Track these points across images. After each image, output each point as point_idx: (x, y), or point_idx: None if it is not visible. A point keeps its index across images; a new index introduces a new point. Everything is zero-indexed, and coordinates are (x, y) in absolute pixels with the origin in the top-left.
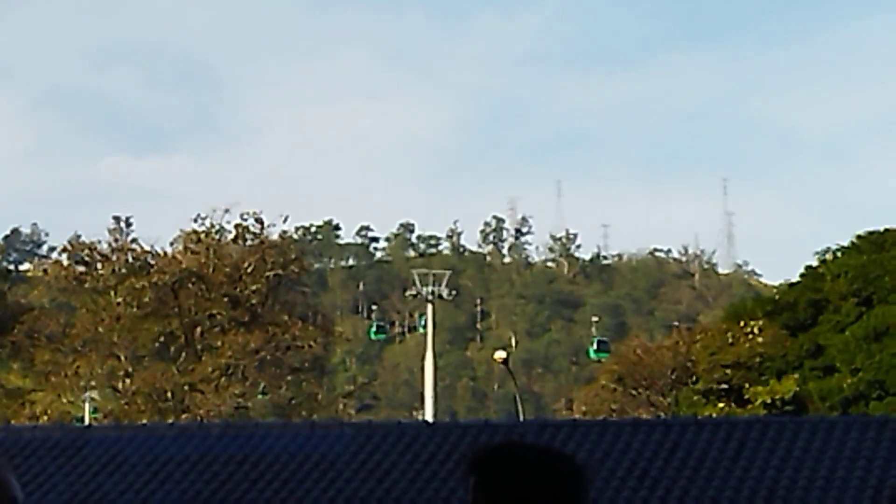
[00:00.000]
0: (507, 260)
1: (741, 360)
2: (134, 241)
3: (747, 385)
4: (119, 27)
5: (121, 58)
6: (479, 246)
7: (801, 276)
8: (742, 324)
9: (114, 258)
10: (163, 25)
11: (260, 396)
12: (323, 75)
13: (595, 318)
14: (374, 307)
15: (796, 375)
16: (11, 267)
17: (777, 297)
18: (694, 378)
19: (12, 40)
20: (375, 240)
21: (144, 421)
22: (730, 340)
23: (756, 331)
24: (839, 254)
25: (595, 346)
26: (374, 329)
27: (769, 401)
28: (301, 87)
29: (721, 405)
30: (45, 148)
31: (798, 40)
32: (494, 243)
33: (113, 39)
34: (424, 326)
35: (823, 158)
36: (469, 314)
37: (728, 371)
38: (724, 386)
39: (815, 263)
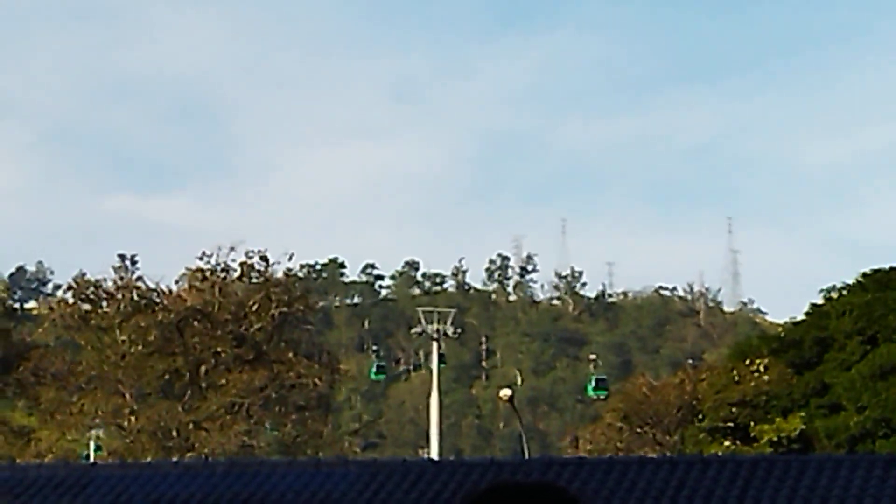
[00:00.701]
0: (512, 298)
1: (747, 399)
2: (139, 278)
3: (753, 423)
4: (125, 64)
5: (126, 95)
6: (485, 284)
7: (807, 314)
8: (748, 362)
9: (119, 296)
10: (168, 63)
11: (268, 432)
12: (327, 114)
13: (593, 356)
14: (374, 346)
15: (802, 413)
16: (17, 305)
17: (782, 335)
18: (700, 416)
19: (17, 76)
20: (380, 277)
21: (149, 459)
22: (735, 378)
23: (762, 369)
24: (844, 292)
25: (593, 385)
26: (374, 369)
27: (775, 439)
28: (306, 126)
29: (727, 443)
30: (50, 185)
31: (801, 78)
32: (499, 281)
33: (119, 76)
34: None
35: (828, 196)
36: (474, 352)
37: (734, 409)
38: (730, 424)
39: (820, 301)
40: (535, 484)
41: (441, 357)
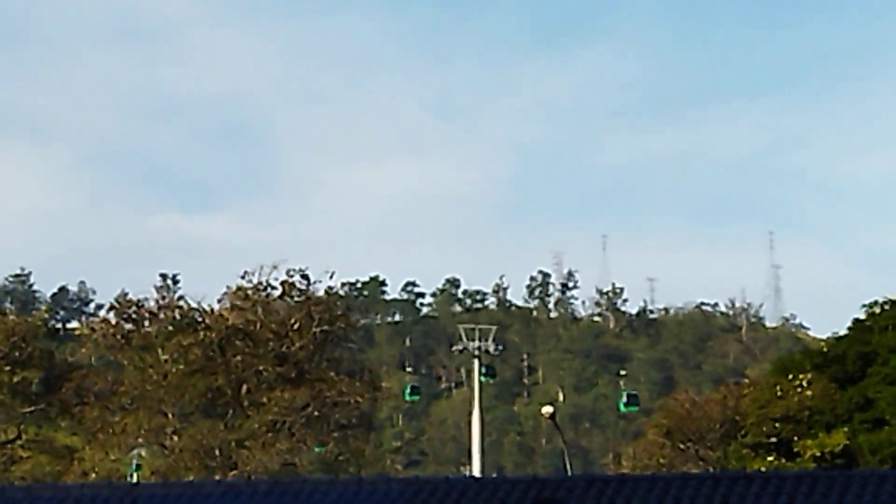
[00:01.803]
0: (553, 314)
1: (790, 414)
2: (181, 298)
3: (796, 438)
4: (168, 84)
5: (169, 114)
6: (525, 301)
7: (849, 328)
8: (790, 377)
9: (161, 315)
10: (211, 83)
11: (314, 449)
12: (368, 132)
13: (623, 372)
14: (409, 368)
15: (846, 428)
16: (59, 325)
17: (825, 350)
18: (743, 432)
19: (61, 97)
20: (421, 295)
21: (192, 478)
22: (778, 394)
23: (805, 384)
24: (887, 306)
25: (625, 400)
26: (408, 391)
27: (819, 454)
28: (347, 144)
29: (770, 459)
30: (93, 205)
31: (843, 93)
32: (540, 298)
33: (161, 96)
34: (486, 375)
35: (870, 211)
36: (516, 369)
37: (777, 424)
38: (774, 439)
39: (862, 316)
40: None
41: (490, 369)
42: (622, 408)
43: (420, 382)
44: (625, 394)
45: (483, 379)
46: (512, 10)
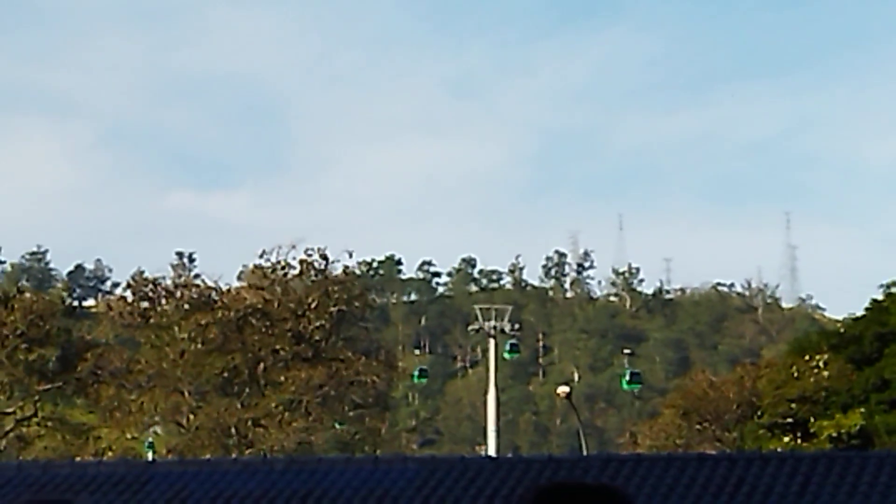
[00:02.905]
0: (569, 294)
1: (806, 394)
2: (197, 276)
3: (813, 419)
4: (186, 63)
5: (187, 93)
6: (542, 280)
7: (867, 309)
8: (807, 358)
9: (178, 294)
10: (228, 61)
11: (336, 426)
12: (385, 110)
13: (627, 351)
14: (417, 350)
15: (862, 409)
16: (76, 303)
17: (842, 330)
18: (759, 412)
19: (80, 76)
20: (437, 275)
21: (208, 456)
22: (795, 374)
23: (821, 365)
24: None
25: (628, 378)
26: (416, 373)
27: (835, 435)
28: (364, 123)
29: (786, 439)
30: (110, 183)
31: (863, 74)
32: (556, 278)
33: (178, 75)
34: (510, 350)
35: (888, 191)
36: (531, 349)
37: (793, 405)
38: (790, 420)
39: (880, 297)
40: (598, 487)
41: (514, 346)
42: (625, 386)
43: (435, 362)
44: (628, 372)
45: (507, 356)
46: None
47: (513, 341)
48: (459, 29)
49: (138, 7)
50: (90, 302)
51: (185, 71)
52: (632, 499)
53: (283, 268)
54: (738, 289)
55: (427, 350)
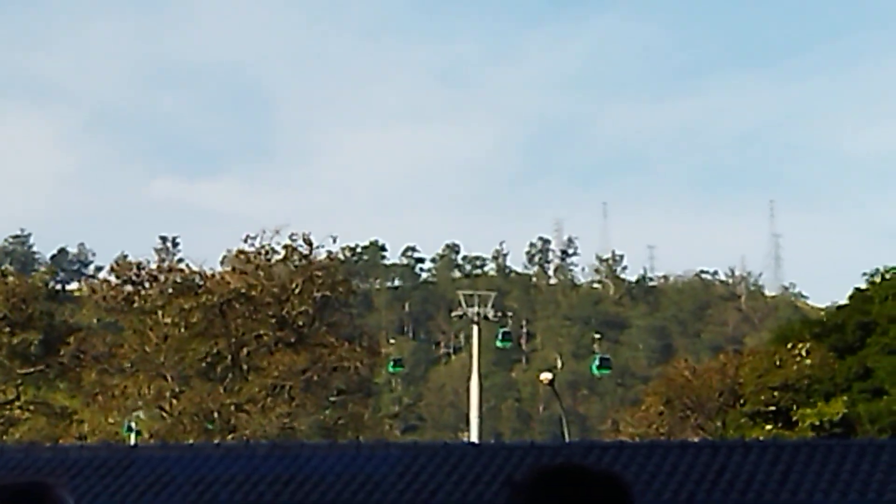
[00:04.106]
0: (552, 281)
1: (789, 383)
2: (181, 261)
3: (795, 407)
4: (171, 49)
5: (172, 79)
6: (525, 267)
7: (850, 298)
8: (790, 346)
9: (161, 278)
10: (214, 48)
11: (327, 412)
12: (372, 98)
13: (597, 335)
14: (391, 341)
15: (845, 398)
16: (59, 287)
17: (825, 319)
18: (741, 401)
19: (64, 61)
20: (421, 261)
21: (191, 441)
22: (777, 363)
23: (804, 353)
24: (888, 276)
25: (597, 363)
26: (391, 363)
27: (817, 423)
28: (350, 110)
29: (769, 427)
30: (95, 168)
31: (848, 64)
32: (540, 265)
33: (164, 61)
34: (503, 339)
35: (871, 180)
36: (514, 335)
37: (776, 393)
38: (772, 408)
39: (863, 286)
40: (592, 470)
41: (507, 335)
42: (595, 371)
43: (418, 348)
44: (597, 357)
45: (500, 344)
46: None
47: (505, 329)
48: (448, 16)
49: None
50: (73, 286)
51: (172, 57)
52: (631, 487)
53: (266, 253)
54: (722, 277)
55: (411, 336)
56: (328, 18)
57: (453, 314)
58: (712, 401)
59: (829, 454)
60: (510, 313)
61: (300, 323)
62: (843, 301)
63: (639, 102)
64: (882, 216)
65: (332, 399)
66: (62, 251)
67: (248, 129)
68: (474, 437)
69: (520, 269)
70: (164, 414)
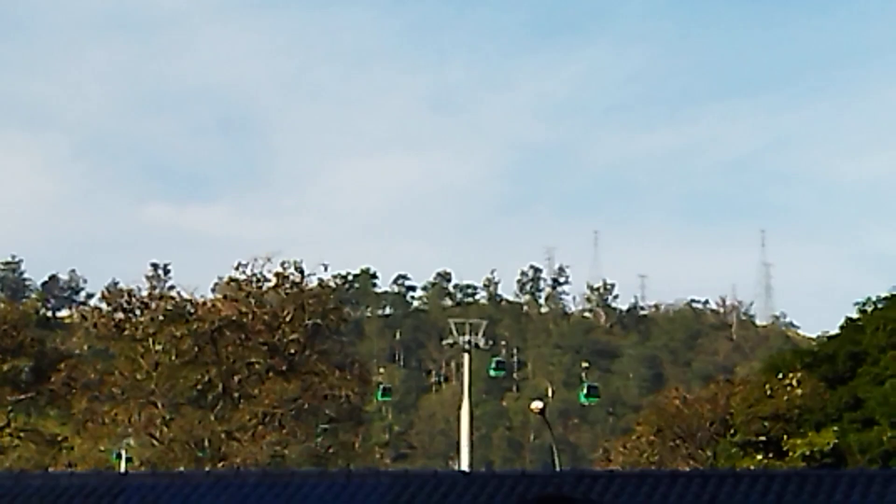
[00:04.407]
0: (543, 310)
1: (780, 413)
2: (172, 288)
3: (786, 437)
4: (165, 76)
5: (166, 106)
6: (516, 295)
7: (841, 327)
8: (780, 376)
9: (152, 305)
10: (208, 75)
11: (317, 434)
12: (365, 125)
13: (585, 364)
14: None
15: (835, 428)
16: (50, 314)
17: (816, 349)
18: (732, 430)
19: (58, 87)
20: (412, 289)
21: (181, 468)
22: (768, 392)
23: (794, 383)
24: (879, 305)
25: (585, 391)
26: (379, 392)
27: (808, 453)
28: (341, 137)
29: (759, 457)
30: (87, 194)
31: (837, 94)
32: (531, 293)
33: (158, 88)
34: (496, 368)
35: (862, 211)
36: (505, 364)
37: (766, 423)
38: (763, 438)
39: (854, 315)
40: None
41: (500, 363)
42: (582, 399)
43: (409, 376)
44: (585, 385)
45: (493, 373)
46: (510, 5)
47: (499, 359)
48: (439, 44)
49: (117, 20)
50: (64, 312)
51: (165, 83)
52: None
53: (258, 280)
54: (713, 306)
55: (402, 364)
56: (320, 46)
57: (444, 342)
58: (703, 430)
59: (819, 484)
60: (503, 342)
61: (291, 350)
62: (834, 331)
63: (629, 130)
64: (872, 245)
65: (323, 427)
66: (53, 278)
67: (239, 155)
68: (465, 466)
69: (511, 298)
70: (155, 441)
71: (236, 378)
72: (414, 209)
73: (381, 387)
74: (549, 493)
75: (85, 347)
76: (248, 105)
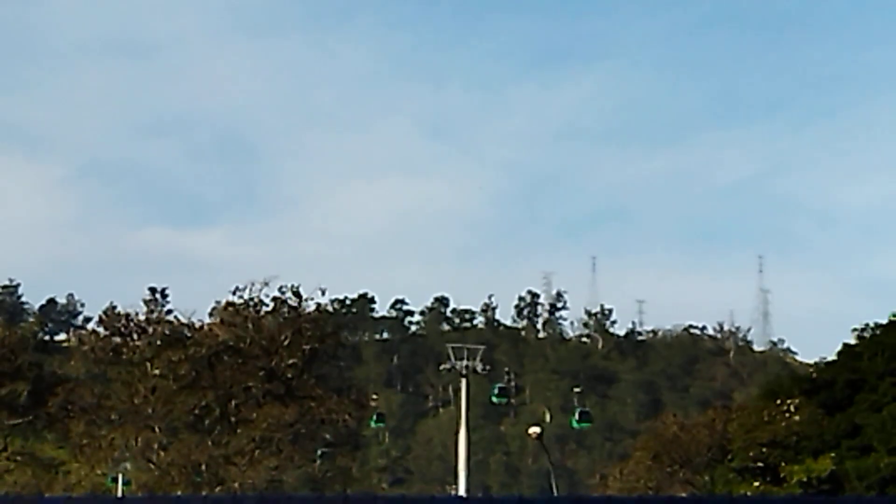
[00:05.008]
0: (541, 335)
1: (777, 439)
2: (170, 312)
3: (783, 464)
4: (162, 100)
5: (163, 130)
6: (514, 320)
7: (838, 353)
8: (778, 402)
9: (150, 330)
10: (205, 100)
11: (317, 456)
12: (362, 149)
13: (577, 389)
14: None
15: (833, 454)
16: (47, 337)
17: (813, 375)
18: (730, 456)
19: (55, 113)
20: (410, 313)
21: (179, 493)
22: (766, 418)
23: (792, 409)
24: (876, 331)
25: (577, 417)
26: (374, 419)
27: (805, 480)
28: (340, 161)
29: (756, 483)
30: (85, 219)
31: (835, 118)
32: (529, 318)
33: (156, 112)
34: (498, 394)
35: (860, 237)
36: (507, 390)
37: (764, 449)
38: (760, 464)
39: (852, 341)
40: None
41: (503, 390)
42: (575, 424)
43: (407, 401)
44: (577, 410)
45: (496, 400)
46: (507, 35)
47: (501, 385)
48: (437, 73)
49: (118, 45)
50: (62, 336)
51: (164, 109)
52: None
53: (255, 305)
54: (710, 331)
55: (399, 389)
56: (318, 71)
57: (442, 367)
58: (700, 456)
59: None
60: (506, 368)
61: (289, 375)
62: (832, 356)
63: (625, 157)
64: (870, 271)
65: (321, 451)
66: (51, 301)
67: (237, 179)
68: (462, 491)
69: (508, 323)
70: (153, 466)
71: (234, 402)
72: (412, 234)
73: (376, 413)
74: None
75: (82, 371)
76: (247, 130)
